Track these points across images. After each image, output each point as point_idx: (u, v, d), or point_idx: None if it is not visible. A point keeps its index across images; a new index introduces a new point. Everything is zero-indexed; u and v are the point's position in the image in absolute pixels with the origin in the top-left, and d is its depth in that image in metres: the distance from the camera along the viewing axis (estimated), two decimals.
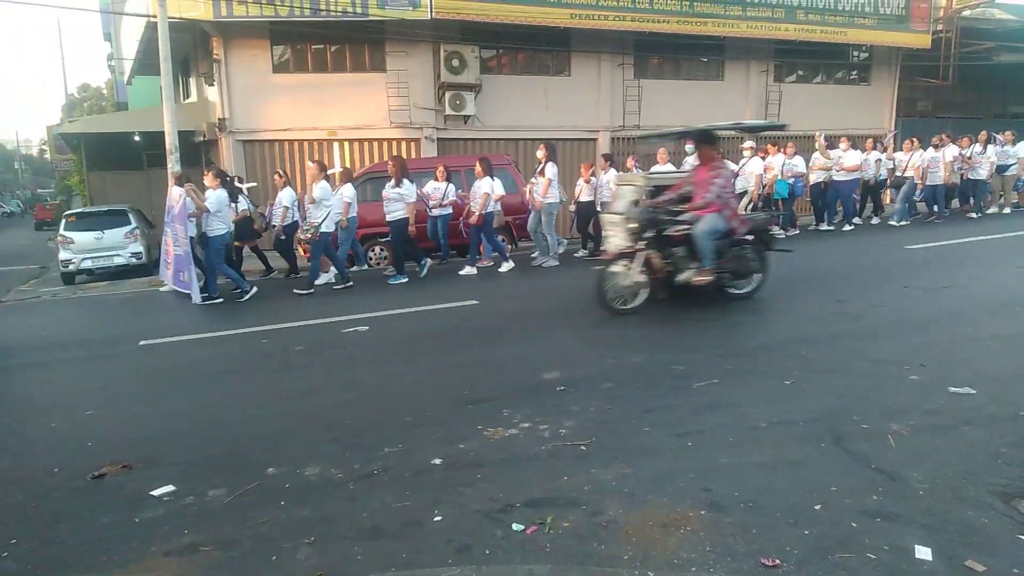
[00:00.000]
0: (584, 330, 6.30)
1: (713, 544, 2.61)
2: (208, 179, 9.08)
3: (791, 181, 12.10)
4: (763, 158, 12.02)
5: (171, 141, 11.61)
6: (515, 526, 2.81)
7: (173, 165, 11.44)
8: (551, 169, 9.96)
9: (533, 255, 10.80)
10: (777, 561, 2.47)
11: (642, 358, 5.17)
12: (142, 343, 6.69)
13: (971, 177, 13.36)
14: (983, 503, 2.82)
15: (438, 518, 2.92)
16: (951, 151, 12.87)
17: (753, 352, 5.19)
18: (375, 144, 15.03)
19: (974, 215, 13.14)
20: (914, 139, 13.22)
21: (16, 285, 8.56)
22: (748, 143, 11.95)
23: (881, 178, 13.31)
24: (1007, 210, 13.54)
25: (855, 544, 2.56)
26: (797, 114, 17.50)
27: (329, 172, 10.02)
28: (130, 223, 13.52)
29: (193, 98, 16.61)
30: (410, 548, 2.72)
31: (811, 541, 2.60)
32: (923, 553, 2.48)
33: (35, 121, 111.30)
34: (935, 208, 13.08)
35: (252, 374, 5.57)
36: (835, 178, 12.51)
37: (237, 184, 10.27)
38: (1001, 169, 13.30)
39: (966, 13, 18.33)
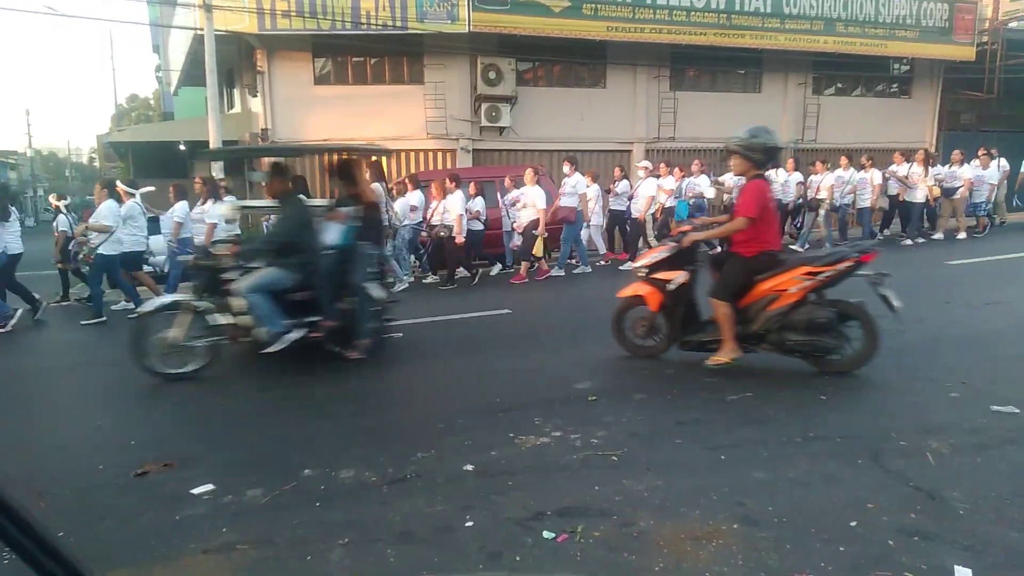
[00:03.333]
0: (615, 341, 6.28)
1: (746, 559, 2.58)
2: (96, 191, 8.68)
3: (691, 202, 11.15)
4: (659, 177, 11.15)
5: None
6: (546, 534, 2.82)
7: (217, 173, 11.73)
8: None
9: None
10: None
11: (675, 370, 5.14)
12: None
13: (907, 200, 12.35)
14: None
15: (470, 524, 2.95)
16: (878, 173, 12.07)
17: (788, 366, 5.12)
18: (412, 155, 15.22)
19: (908, 242, 12.10)
20: (824, 160, 12.35)
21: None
22: (643, 163, 11.29)
23: (800, 202, 12.30)
24: (961, 235, 12.40)
25: (892, 562, 2.52)
26: (836, 128, 17.33)
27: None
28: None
29: (237, 108, 17.03)
30: (442, 553, 2.75)
31: (846, 558, 2.56)
32: (963, 574, 2.43)
33: (86, 130, 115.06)
34: (868, 232, 12.13)
35: (287, 377, 5.67)
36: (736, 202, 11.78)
37: (129, 191, 9.09)
38: (948, 192, 12.39)
39: (1012, 24, 17.92)
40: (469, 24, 13.55)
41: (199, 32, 12.74)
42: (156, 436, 4.32)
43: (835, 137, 17.24)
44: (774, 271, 4.92)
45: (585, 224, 10.81)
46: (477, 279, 10.11)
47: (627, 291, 5.49)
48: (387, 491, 3.32)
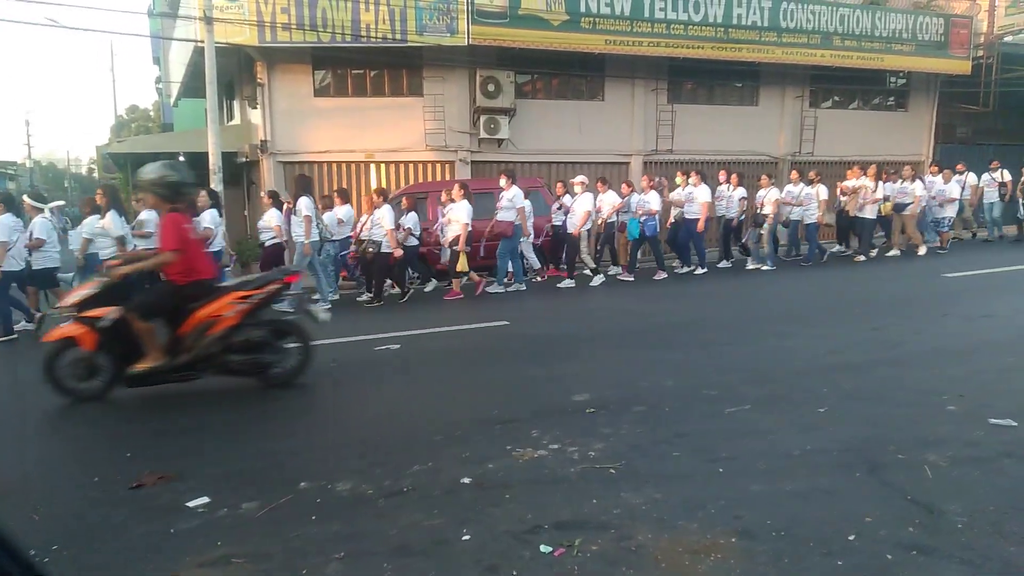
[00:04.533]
0: (615, 352, 6.29)
1: (744, 572, 2.57)
2: None
3: (642, 219, 10.80)
4: (602, 192, 10.98)
5: (214, 162, 11.99)
6: (543, 548, 2.81)
7: (216, 185, 11.76)
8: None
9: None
10: None
11: (674, 382, 5.14)
12: None
13: (858, 215, 12.11)
14: None
15: (467, 537, 2.94)
16: (824, 188, 11.75)
17: (786, 378, 5.12)
18: (411, 166, 15.25)
19: (861, 258, 11.97)
20: (769, 175, 12.00)
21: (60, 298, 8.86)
22: (580, 177, 10.91)
23: (743, 218, 12.11)
24: (922, 250, 12.18)
25: None
26: (833, 141, 17.41)
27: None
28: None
29: (236, 120, 17.08)
30: (438, 566, 2.74)
31: (844, 572, 2.55)
32: None
33: (85, 141, 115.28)
34: (815, 249, 11.95)
35: (285, 390, 5.65)
36: (686, 216, 11.33)
37: (37, 205, 8.70)
38: (899, 208, 12.13)
39: (1007, 38, 18.05)
40: (468, 37, 13.62)
41: (199, 44, 12.79)
42: (151, 449, 4.30)
43: (832, 150, 17.32)
44: (209, 298, 5.15)
45: (524, 238, 10.54)
46: (407, 296, 9.91)
47: (57, 333, 5.22)
48: (383, 504, 3.31)
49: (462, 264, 9.72)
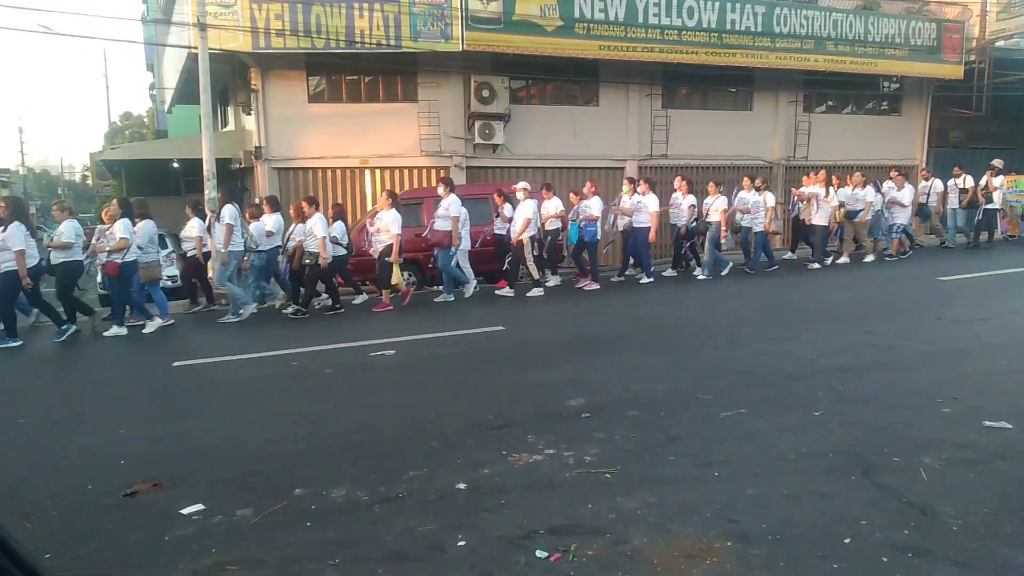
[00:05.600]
0: (610, 357, 6.29)
1: None
2: None
3: (582, 225, 10.51)
4: (547, 198, 10.64)
5: (209, 168, 11.94)
6: (538, 553, 2.81)
7: (210, 191, 11.74)
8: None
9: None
10: None
11: (668, 386, 5.14)
12: (176, 364, 6.82)
13: (812, 222, 11.91)
14: (1020, 540, 2.75)
15: (461, 543, 2.93)
16: (771, 196, 11.64)
17: (781, 382, 5.13)
18: (406, 172, 15.26)
19: (815, 266, 11.73)
20: (718, 182, 11.69)
21: (56, 306, 8.82)
22: (522, 184, 10.65)
23: (692, 225, 11.59)
24: (869, 258, 12.18)
25: None
26: (827, 145, 17.48)
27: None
28: (167, 247, 13.85)
29: (231, 127, 17.07)
30: (433, 572, 2.73)
31: (840, 575, 2.55)
32: None
33: (78, 148, 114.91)
34: (763, 257, 11.75)
35: (282, 396, 5.65)
36: (635, 225, 10.99)
37: None
38: (851, 215, 11.92)
39: (1000, 43, 18.19)
40: (462, 43, 13.64)
41: (193, 51, 12.77)
42: (145, 455, 4.28)
43: (826, 155, 17.38)
44: None
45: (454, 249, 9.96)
46: (338, 308, 9.52)
47: None
48: (378, 510, 3.30)
49: (396, 276, 9.39)
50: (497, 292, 10.35)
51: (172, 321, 9.07)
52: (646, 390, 5.05)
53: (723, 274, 11.28)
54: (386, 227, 9.35)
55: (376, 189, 15.05)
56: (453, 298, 9.91)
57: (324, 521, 3.21)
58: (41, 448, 4.65)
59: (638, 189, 10.93)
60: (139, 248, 8.76)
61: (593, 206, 10.52)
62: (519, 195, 10.38)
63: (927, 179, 13.55)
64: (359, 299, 10.15)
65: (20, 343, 8.08)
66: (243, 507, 3.38)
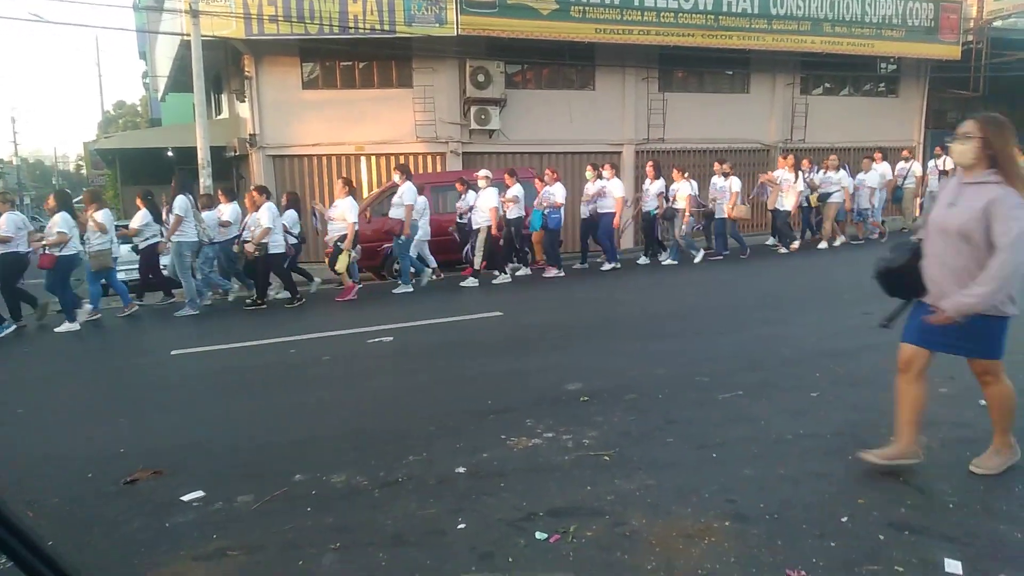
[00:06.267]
0: (607, 342, 6.31)
1: (738, 555, 2.59)
2: None
3: (546, 211, 10.41)
4: (510, 186, 10.38)
5: (203, 156, 11.92)
6: (538, 535, 2.82)
7: (205, 180, 11.69)
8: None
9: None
10: (803, 573, 2.45)
11: (665, 369, 5.15)
12: (174, 352, 6.82)
13: (778, 207, 11.77)
14: (1015, 517, 2.77)
15: (461, 526, 2.94)
16: (737, 181, 11.48)
17: (778, 365, 5.14)
18: (401, 158, 15.19)
19: (783, 250, 11.75)
20: (681, 168, 11.51)
21: (52, 297, 8.80)
22: (483, 172, 10.44)
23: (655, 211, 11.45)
24: (837, 242, 12.07)
25: (883, 557, 2.53)
26: (824, 127, 17.44)
27: None
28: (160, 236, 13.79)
29: (225, 114, 16.98)
30: (433, 555, 2.74)
31: (838, 553, 2.57)
32: (953, 567, 2.44)
33: (72, 137, 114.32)
34: (735, 244, 11.76)
35: (280, 383, 5.65)
36: (600, 211, 10.79)
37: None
38: (822, 197, 11.87)
39: (997, 23, 18.07)
40: (457, 27, 13.55)
41: (186, 38, 12.68)
42: (145, 444, 4.29)
43: (823, 137, 17.36)
44: None
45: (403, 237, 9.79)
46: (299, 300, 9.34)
47: None
48: (378, 495, 3.31)
49: (341, 264, 9.26)
50: (462, 284, 10.09)
51: (98, 316, 8.78)
52: (644, 374, 5.06)
53: (695, 261, 11.19)
54: (341, 215, 9.26)
55: (372, 176, 15.01)
56: (412, 289, 9.73)
57: (324, 506, 3.22)
58: (41, 439, 4.65)
59: (604, 174, 10.80)
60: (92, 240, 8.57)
61: (557, 193, 10.43)
62: (481, 183, 10.21)
63: (906, 160, 13.35)
64: (313, 286, 10.15)
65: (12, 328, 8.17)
66: (243, 493, 3.39)
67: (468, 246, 10.66)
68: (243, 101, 14.82)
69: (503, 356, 6.09)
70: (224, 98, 17.06)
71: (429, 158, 15.24)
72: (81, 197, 9.86)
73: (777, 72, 17.11)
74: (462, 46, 14.31)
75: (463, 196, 10.76)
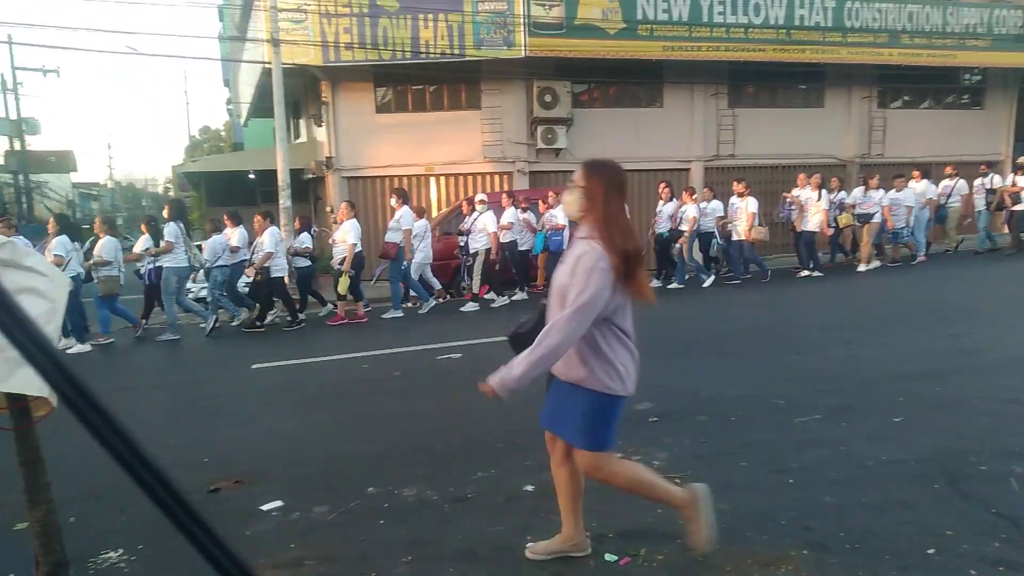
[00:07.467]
0: (677, 361, 6.21)
1: None
2: None
3: (548, 234, 10.15)
4: (506, 209, 10.36)
5: (283, 178, 12.41)
6: (608, 556, 2.80)
7: (284, 201, 12.18)
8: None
9: None
10: None
11: (738, 391, 5.04)
12: (254, 367, 7.10)
13: (803, 229, 11.33)
14: None
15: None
16: (753, 201, 10.91)
17: (858, 387, 4.95)
18: (469, 178, 15.46)
19: (805, 273, 11.24)
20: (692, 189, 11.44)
21: (139, 314, 9.34)
22: (480, 196, 10.50)
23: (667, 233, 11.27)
24: (866, 266, 11.34)
25: None
26: (904, 142, 16.78)
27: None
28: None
29: (303, 138, 17.66)
30: (503, 572, 2.76)
31: None
32: None
33: (161, 161, 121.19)
34: (743, 267, 11.31)
35: (354, 397, 5.81)
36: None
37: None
38: (862, 218, 11.24)
39: None
40: (525, 49, 13.73)
41: (267, 66, 13.29)
42: (226, 454, 4.48)
43: (903, 151, 16.69)
44: None
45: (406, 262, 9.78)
46: (299, 322, 9.46)
47: None
48: (448, 509, 3.36)
49: (343, 286, 9.21)
50: (461, 309, 10.01)
51: (88, 348, 8.64)
52: (715, 395, 4.97)
53: (704, 286, 10.90)
54: (342, 238, 9.31)
55: (440, 195, 15.30)
56: (402, 313, 9.64)
57: (396, 519, 3.28)
58: None
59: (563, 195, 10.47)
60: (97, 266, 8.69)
61: (559, 215, 9.96)
62: (478, 207, 10.16)
63: (952, 178, 12.52)
64: (324, 311, 10.19)
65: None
66: (319, 504, 3.49)
67: (464, 270, 10.68)
68: (320, 125, 15.39)
69: None
70: (303, 123, 17.75)
71: (496, 177, 15.43)
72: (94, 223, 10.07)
73: (853, 85, 16.60)
74: (529, 67, 14.47)
75: (467, 218, 10.59)
